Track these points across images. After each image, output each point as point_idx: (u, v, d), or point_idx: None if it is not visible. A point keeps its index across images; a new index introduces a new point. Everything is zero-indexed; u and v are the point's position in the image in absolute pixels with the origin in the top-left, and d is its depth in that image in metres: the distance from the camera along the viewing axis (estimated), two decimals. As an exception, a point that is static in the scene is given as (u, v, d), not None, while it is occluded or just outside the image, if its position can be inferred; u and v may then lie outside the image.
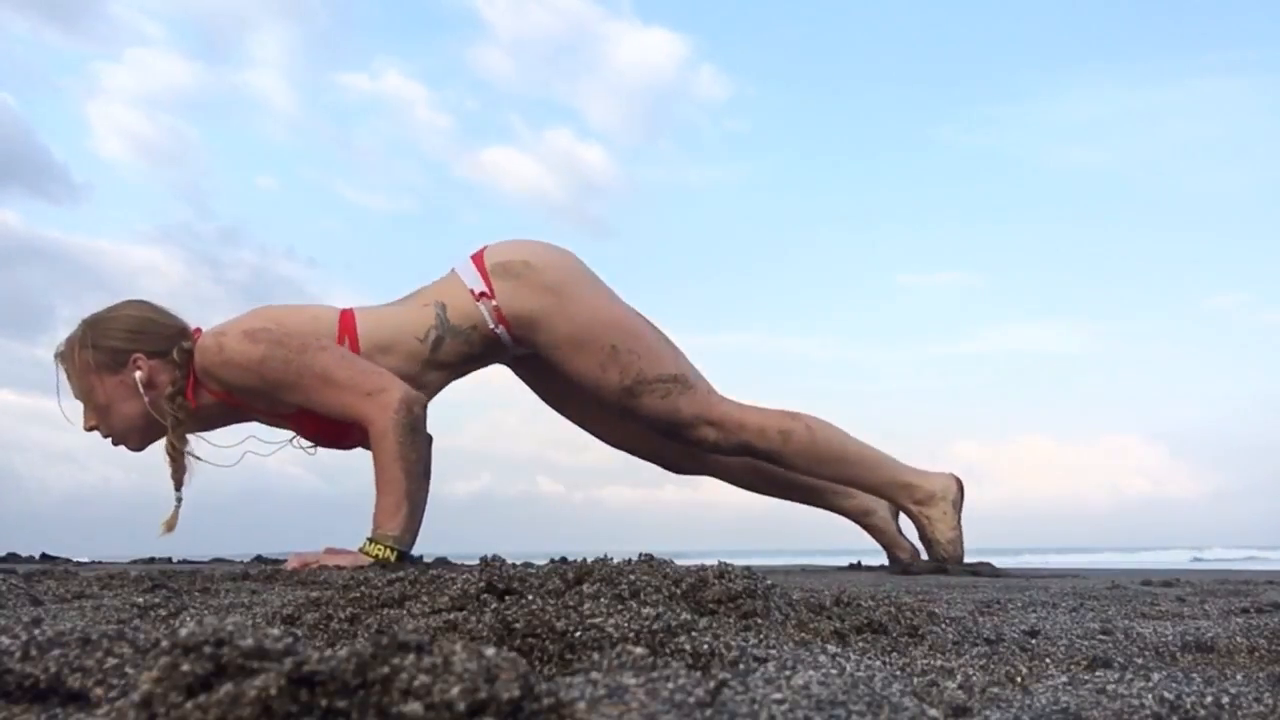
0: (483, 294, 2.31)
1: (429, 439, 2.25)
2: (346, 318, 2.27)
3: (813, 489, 2.66)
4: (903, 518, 2.64)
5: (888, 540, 2.68)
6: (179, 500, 2.25)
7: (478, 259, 2.36)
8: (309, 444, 2.36)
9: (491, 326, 2.32)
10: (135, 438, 2.25)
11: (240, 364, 2.12)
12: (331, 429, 2.26)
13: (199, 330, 2.26)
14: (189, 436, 2.28)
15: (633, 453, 2.66)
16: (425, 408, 2.17)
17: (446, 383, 2.39)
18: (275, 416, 2.28)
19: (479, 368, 2.46)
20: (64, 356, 2.22)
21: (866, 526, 2.70)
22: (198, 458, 2.29)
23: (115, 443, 2.25)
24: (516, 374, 2.57)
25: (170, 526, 2.26)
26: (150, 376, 2.19)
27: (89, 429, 2.23)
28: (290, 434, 2.36)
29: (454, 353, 2.31)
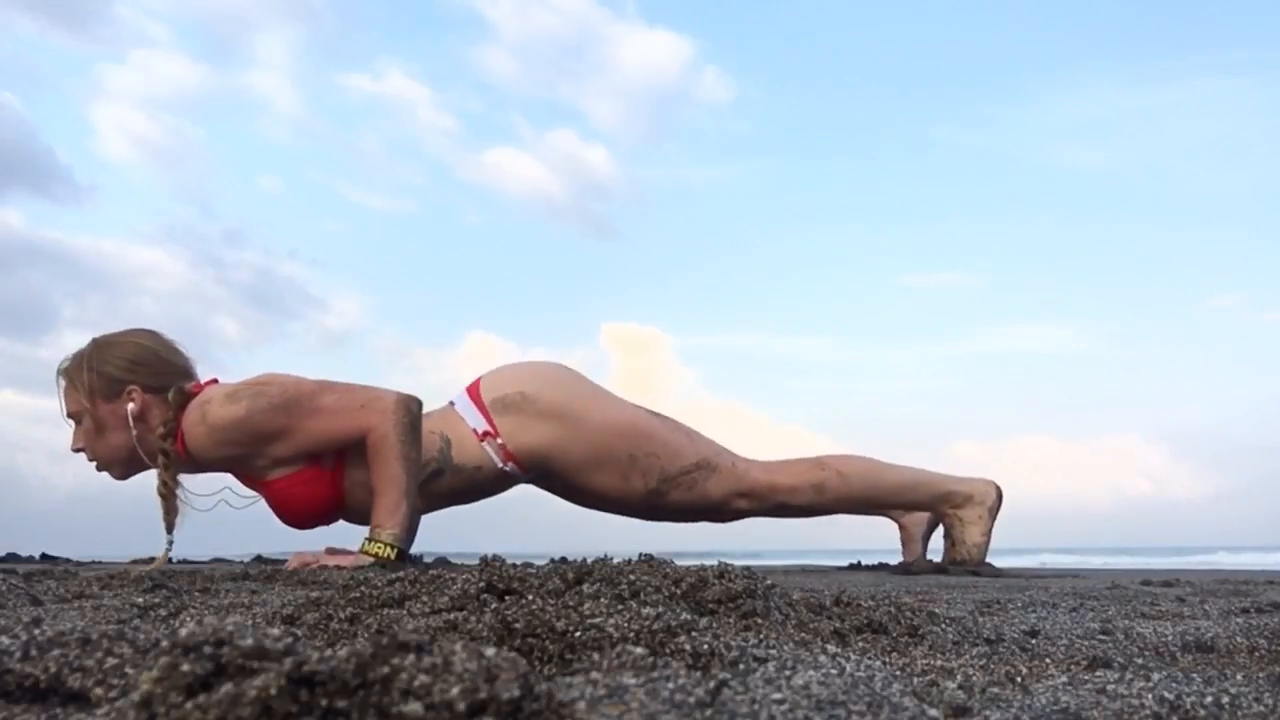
0: (486, 433, 2.30)
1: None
2: None
3: None
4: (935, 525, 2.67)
5: (905, 537, 2.72)
6: (170, 543, 2.16)
7: (473, 392, 2.34)
8: (244, 500, 2.25)
9: (500, 465, 2.31)
10: (119, 468, 2.19)
11: (226, 426, 2.04)
12: (301, 507, 2.18)
13: (213, 381, 2.19)
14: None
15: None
16: (421, 407, 2.14)
17: (441, 507, 2.33)
18: (253, 483, 2.19)
19: (486, 497, 2.42)
20: (66, 372, 2.16)
21: (898, 524, 2.74)
22: (185, 503, 2.18)
23: (99, 468, 2.19)
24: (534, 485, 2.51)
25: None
26: (142, 410, 2.13)
27: (75, 450, 2.17)
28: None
29: (449, 488, 2.27)
